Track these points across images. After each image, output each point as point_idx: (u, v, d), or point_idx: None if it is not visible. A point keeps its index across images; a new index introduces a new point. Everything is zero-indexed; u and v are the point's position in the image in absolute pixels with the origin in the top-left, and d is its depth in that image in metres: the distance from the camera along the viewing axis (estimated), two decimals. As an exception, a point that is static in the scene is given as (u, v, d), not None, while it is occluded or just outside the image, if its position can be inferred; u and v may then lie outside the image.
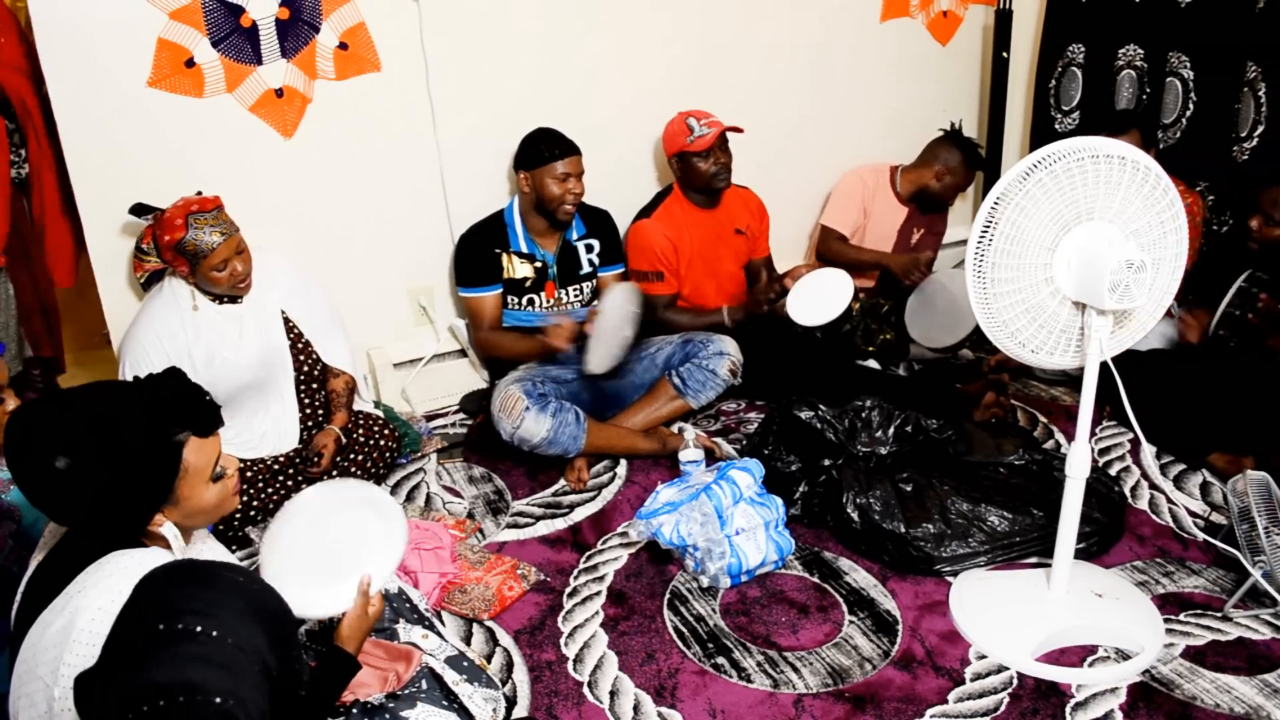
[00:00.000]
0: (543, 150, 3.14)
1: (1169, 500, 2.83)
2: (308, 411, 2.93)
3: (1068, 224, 1.99)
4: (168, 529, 1.54)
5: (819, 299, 3.24)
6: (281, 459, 2.85)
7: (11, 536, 2.23)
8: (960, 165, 3.74)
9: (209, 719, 1.18)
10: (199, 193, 2.77)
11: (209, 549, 1.80)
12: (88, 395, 1.52)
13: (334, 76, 3.13)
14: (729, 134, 3.42)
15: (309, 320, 2.98)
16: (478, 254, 3.24)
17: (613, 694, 2.17)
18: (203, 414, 1.54)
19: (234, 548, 2.70)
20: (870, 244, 3.86)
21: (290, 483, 2.81)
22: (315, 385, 2.96)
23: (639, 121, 3.65)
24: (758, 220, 3.72)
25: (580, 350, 3.05)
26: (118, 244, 2.98)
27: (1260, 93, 3.35)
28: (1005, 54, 4.14)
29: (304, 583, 1.72)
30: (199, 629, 1.20)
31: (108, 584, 1.41)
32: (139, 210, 2.74)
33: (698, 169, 3.40)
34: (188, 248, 2.64)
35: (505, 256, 3.23)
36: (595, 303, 3.29)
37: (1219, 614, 2.35)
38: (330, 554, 1.77)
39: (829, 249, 3.81)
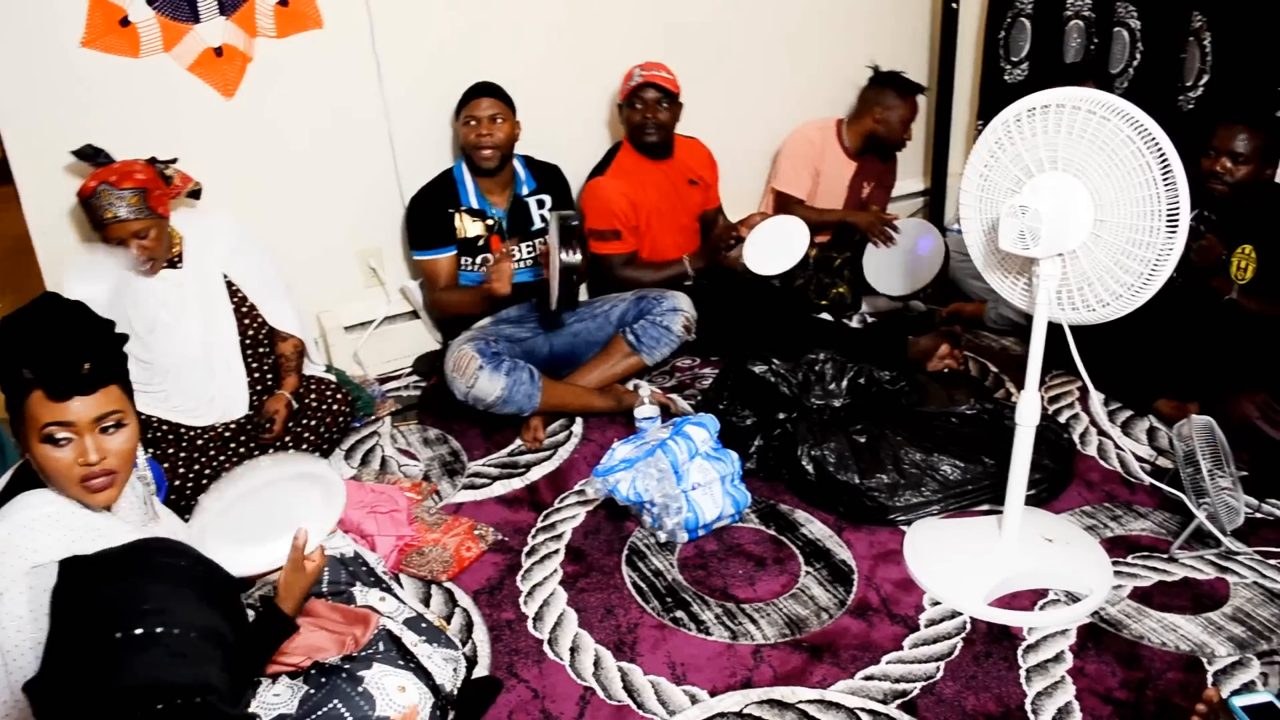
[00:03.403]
0: (462, 98, 3.12)
1: (1117, 446, 2.88)
2: (256, 376, 2.89)
3: (1030, 169, 2.03)
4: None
5: (775, 247, 3.24)
6: (233, 425, 2.81)
7: None
8: (895, 98, 3.74)
9: (192, 717, 1.19)
10: (161, 160, 2.71)
11: (164, 521, 1.77)
12: (34, 305, 1.55)
13: (275, 34, 3.06)
14: (679, 96, 3.41)
15: (251, 282, 2.91)
16: (430, 215, 3.20)
17: (573, 650, 2.18)
18: (56, 378, 1.48)
19: (187, 517, 2.66)
20: (821, 202, 3.85)
21: (242, 449, 2.78)
22: (263, 349, 2.91)
23: (590, 74, 3.62)
24: (709, 170, 3.72)
25: (541, 299, 3.03)
26: (54, 207, 2.90)
27: (1205, 42, 3.37)
28: (955, 4, 4.13)
29: (236, 544, 1.71)
30: (159, 630, 1.19)
31: (3, 523, 1.45)
32: (86, 154, 2.70)
33: (628, 117, 3.42)
34: (91, 207, 2.59)
35: (457, 215, 3.19)
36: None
37: (1165, 555, 2.40)
38: (264, 517, 1.75)
39: (790, 214, 3.79)
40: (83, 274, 2.68)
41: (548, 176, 3.36)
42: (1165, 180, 1.87)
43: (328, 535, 1.80)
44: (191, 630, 1.22)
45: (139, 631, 1.18)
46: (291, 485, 1.81)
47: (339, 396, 2.98)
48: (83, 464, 1.50)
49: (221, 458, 2.74)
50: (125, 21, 2.84)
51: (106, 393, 1.52)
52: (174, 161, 2.77)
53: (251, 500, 1.77)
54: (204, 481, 2.70)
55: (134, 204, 2.60)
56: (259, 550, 1.72)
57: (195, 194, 2.85)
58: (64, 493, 1.53)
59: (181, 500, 2.67)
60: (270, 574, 1.85)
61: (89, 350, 1.50)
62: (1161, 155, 1.86)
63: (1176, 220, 1.88)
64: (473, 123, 3.11)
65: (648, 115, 3.38)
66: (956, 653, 2.13)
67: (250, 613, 1.68)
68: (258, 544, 1.72)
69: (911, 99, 3.77)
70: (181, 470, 2.67)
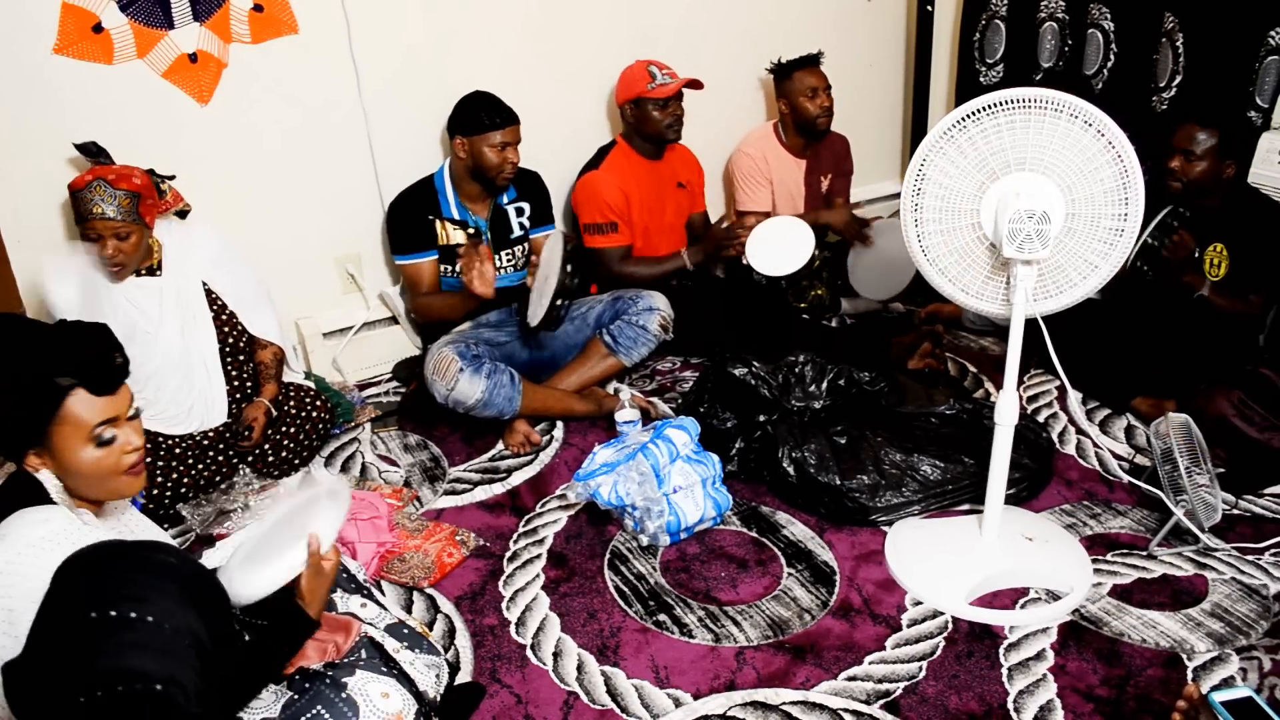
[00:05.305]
0: (482, 118, 3.07)
1: (1095, 444, 2.89)
2: (235, 384, 2.87)
3: (995, 171, 2.02)
4: (45, 476, 1.52)
5: (779, 248, 3.22)
6: (211, 434, 2.79)
7: None
8: (789, 81, 3.73)
9: (149, 705, 1.18)
10: (159, 174, 2.72)
11: (140, 527, 1.76)
12: (10, 320, 1.55)
13: (249, 40, 3.04)
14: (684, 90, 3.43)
15: (233, 292, 2.90)
16: (411, 220, 3.18)
17: (556, 655, 2.18)
18: (100, 371, 1.51)
19: (165, 525, 2.64)
20: (782, 206, 3.84)
21: (221, 457, 2.76)
22: (243, 358, 2.90)
23: (566, 77, 3.61)
24: (696, 175, 3.73)
25: (520, 306, 3.03)
26: (29, 218, 2.88)
27: (1178, 43, 3.40)
28: (930, 7, 4.15)
29: (258, 565, 1.68)
30: (134, 615, 1.19)
31: (7, 541, 1.42)
32: (90, 150, 2.71)
33: (652, 117, 3.40)
34: (76, 200, 2.58)
35: (439, 223, 3.18)
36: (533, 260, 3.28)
37: (1144, 553, 2.41)
38: (280, 538, 1.72)
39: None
40: (61, 276, 2.66)
41: (528, 184, 3.34)
42: (1118, 156, 1.93)
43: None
44: (166, 623, 1.21)
45: (114, 614, 1.18)
46: (304, 507, 1.78)
47: (318, 404, 2.97)
48: (130, 451, 1.55)
49: (200, 466, 2.73)
50: (98, 28, 2.82)
51: (125, 384, 1.57)
52: (172, 178, 2.78)
53: (269, 529, 1.75)
54: (182, 490, 2.69)
55: (124, 206, 2.59)
56: (277, 563, 1.68)
57: (182, 214, 2.85)
58: (90, 495, 1.55)
59: (159, 509, 2.65)
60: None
61: (114, 340, 1.55)
62: (1105, 137, 1.92)
63: (1138, 190, 1.94)
64: (504, 148, 3.08)
65: (674, 114, 3.42)
66: (939, 652, 2.13)
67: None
68: (274, 560, 1.68)
69: (807, 70, 3.72)
70: (160, 479, 2.65)
